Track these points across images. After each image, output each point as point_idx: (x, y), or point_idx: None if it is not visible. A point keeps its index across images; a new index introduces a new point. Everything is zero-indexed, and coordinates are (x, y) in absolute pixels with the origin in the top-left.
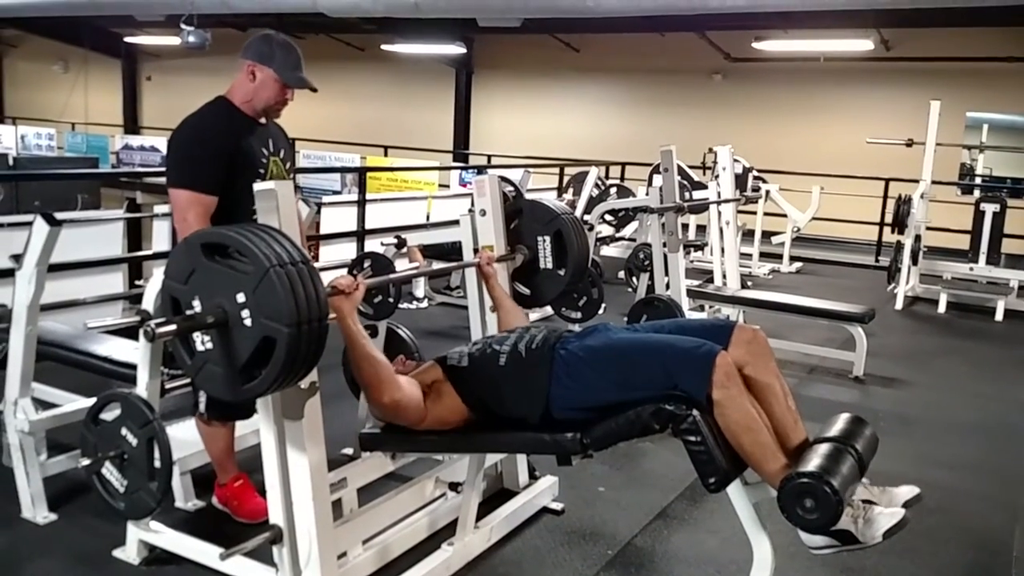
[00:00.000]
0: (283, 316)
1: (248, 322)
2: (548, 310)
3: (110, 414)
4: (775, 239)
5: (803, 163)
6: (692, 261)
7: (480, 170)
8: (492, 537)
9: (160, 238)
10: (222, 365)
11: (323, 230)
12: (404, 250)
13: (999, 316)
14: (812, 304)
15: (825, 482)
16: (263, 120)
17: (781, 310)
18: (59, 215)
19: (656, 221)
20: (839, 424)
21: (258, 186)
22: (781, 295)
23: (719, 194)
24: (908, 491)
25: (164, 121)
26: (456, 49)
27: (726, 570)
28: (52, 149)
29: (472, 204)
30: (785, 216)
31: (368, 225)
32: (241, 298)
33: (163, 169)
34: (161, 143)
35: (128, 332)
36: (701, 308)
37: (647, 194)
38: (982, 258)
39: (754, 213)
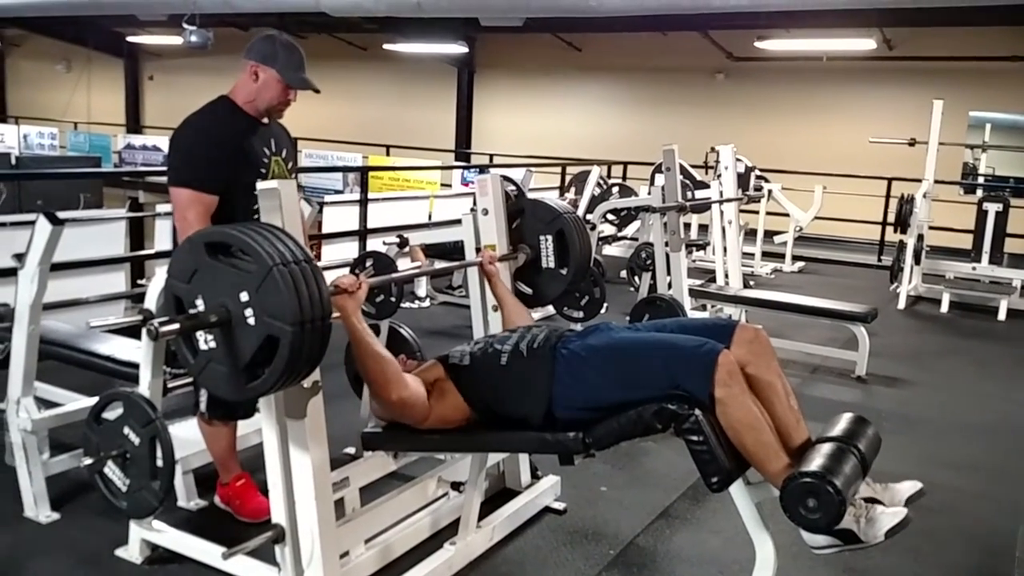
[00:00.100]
0: (286, 315)
1: (251, 321)
2: (550, 309)
3: (112, 413)
4: (777, 238)
5: (805, 162)
6: (694, 260)
7: (482, 169)
8: (494, 537)
9: (162, 237)
10: (225, 364)
11: (325, 229)
12: (406, 249)
13: (1002, 316)
14: (814, 304)
15: (828, 482)
16: (265, 120)
17: (783, 309)
18: (62, 214)
19: (658, 220)
20: (842, 424)
21: (261, 185)
22: (783, 294)
23: (721, 193)
24: (911, 486)
25: (166, 120)
26: (458, 48)
27: (728, 570)
28: (55, 148)
29: (474, 203)
30: (787, 215)
31: (370, 224)
32: (244, 297)
33: (165, 168)
34: (163, 143)
35: (130, 331)
36: (703, 307)
37: (649, 193)
38: (985, 258)
39: (756, 212)
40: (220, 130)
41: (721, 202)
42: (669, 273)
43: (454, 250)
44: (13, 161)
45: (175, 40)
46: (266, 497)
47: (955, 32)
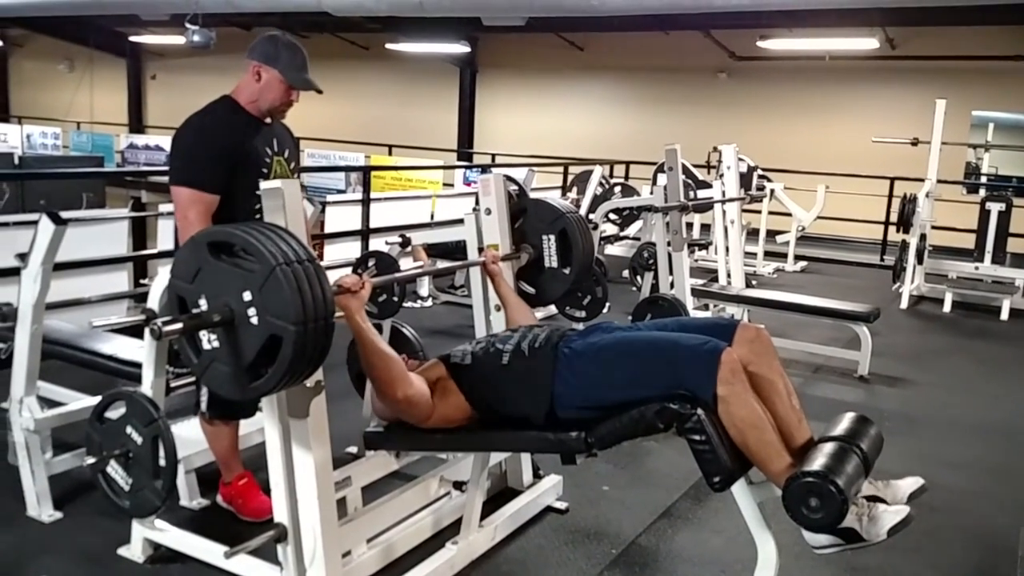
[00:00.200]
0: (289, 314)
1: (255, 320)
2: (552, 309)
3: (115, 412)
4: (780, 238)
5: (808, 162)
6: (696, 260)
7: (484, 169)
8: (496, 536)
9: (165, 237)
10: (229, 364)
11: (327, 229)
12: (408, 249)
13: (1004, 315)
14: (817, 303)
15: (830, 481)
16: (268, 120)
17: (786, 309)
18: (64, 214)
19: (660, 220)
20: (844, 423)
21: (265, 185)
22: (786, 294)
23: (724, 193)
24: (912, 483)
25: (169, 120)
26: (460, 48)
27: (731, 569)
28: (57, 148)
29: (477, 203)
30: (790, 215)
31: (372, 224)
32: (248, 296)
33: (167, 168)
34: (166, 142)
35: (133, 331)
36: (705, 307)
37: (651, 193)
38: (987, 257)
39: (759, 212)
40: (222, 130)
41: (723, 202)
42: (671, 273)
43: (456, 250)
44: (16, 161)
45: (178, 40)
46: (268, 496)
47: (958, 31)
